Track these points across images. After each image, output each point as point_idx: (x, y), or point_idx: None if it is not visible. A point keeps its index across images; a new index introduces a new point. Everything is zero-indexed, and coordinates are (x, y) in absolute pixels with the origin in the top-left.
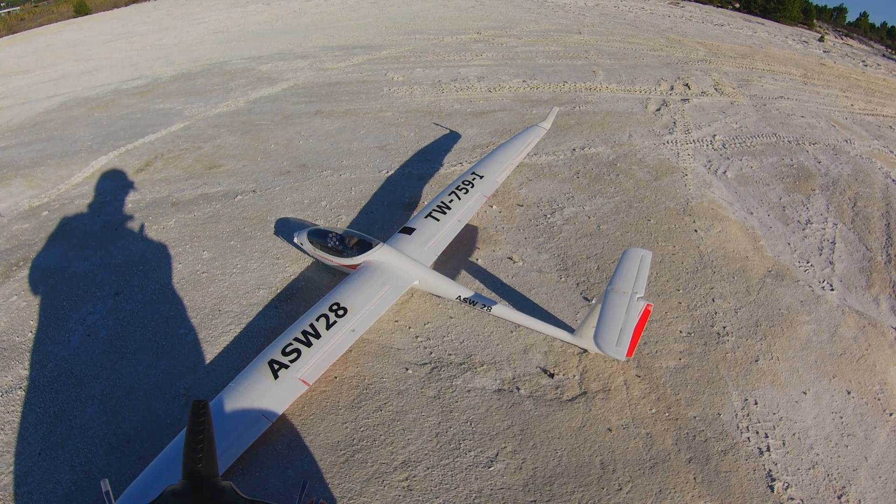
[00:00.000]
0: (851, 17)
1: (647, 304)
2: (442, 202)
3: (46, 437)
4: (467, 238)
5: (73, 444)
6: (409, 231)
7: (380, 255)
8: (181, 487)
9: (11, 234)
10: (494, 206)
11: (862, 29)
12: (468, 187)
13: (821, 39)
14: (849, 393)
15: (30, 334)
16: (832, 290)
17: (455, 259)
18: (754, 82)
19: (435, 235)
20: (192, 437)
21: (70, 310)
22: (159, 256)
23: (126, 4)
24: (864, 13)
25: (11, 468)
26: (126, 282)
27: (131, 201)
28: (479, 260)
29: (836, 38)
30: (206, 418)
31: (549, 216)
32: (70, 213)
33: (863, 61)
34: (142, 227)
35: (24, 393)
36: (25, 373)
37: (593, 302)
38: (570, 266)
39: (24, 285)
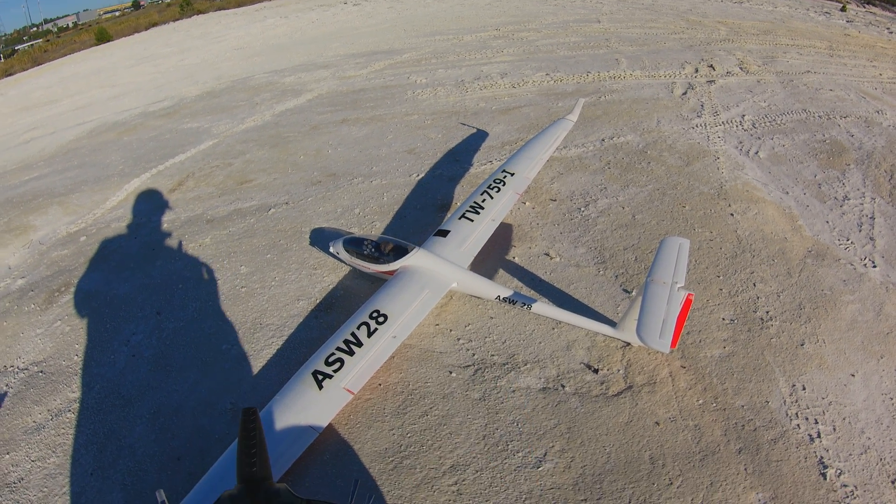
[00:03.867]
0: None
1: (689, 294)
2: (475, 202)
3: (98, 457)
4: (502, 237)
5: (124, 462)
6: (444, 233)
7: (416, 259)
8: (237, 492)
9: (52, 260)
10: (527, 203)
11: None
12: (500, 186)
13: (843, 9)
14: None
15: (76, 357)
16: (875, 266)
17: (492, 259)
18: (779, 58)
19: (470, 236)
20: (245, 442)
21: (114, 331)
22: (198, 274)
23: (146, 28)
24: None
25: (66, 489)
26: (167, 301)
27: (166, 221)
28: (516, 258)
29: (858, 6)
30: (257, 424)
31: (582, 209)
32: (107, 236)
33: (888, 28)
34: (178, 245)
35: (73, 415)
36: (74, 395)
37: (633, 294)
38: (607, 259)
39: (68, 310)
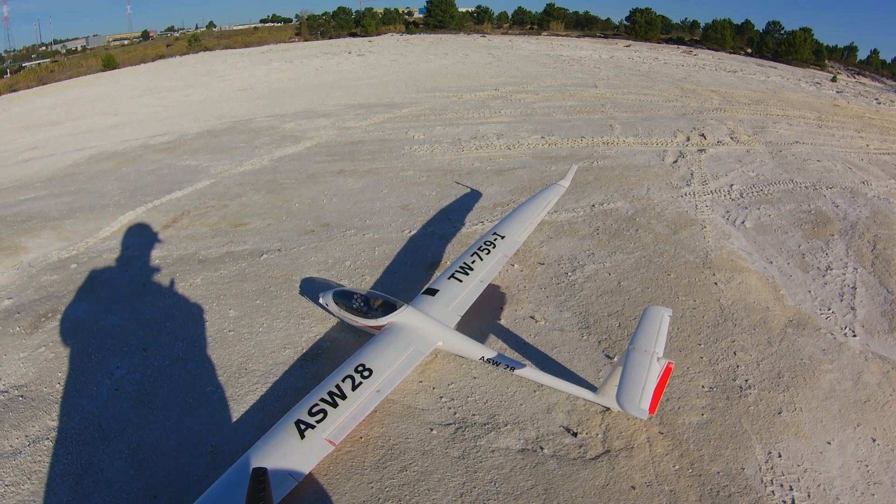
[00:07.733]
0: (862, 55)
1: (669, 362)
2: (465, 263)
3: (73, 488)
4: (490, 298)
5: (100, 496)
6: (433, 292)
7: (404, 316)
8: None
9: (40, 284)
10: (516, 266)
11: (873, 66)
12: (490, 248)
13: (833, 80)
14: (874, 441)
15: (58, 386)
16: (854, 336)
17: (478, 319)
18: (769, 128)
19: (458, 296)
20: (253, 503)
21: (98, 363)
22: (186, 313)
23: (153, 60)
24: (875, 50)
25: None
26: (153, 338)
27: (158, 257)
28: (502, 320)
29: (848, 76)
30: (266, 485)
31: (570, 274)
32: (98, 266)
33: (876, 99)
34: (169, 283)
35: (51, 444)
36: (53, 424)
37: (615, 360)
38: (591, 324)
39: (53, 336)
